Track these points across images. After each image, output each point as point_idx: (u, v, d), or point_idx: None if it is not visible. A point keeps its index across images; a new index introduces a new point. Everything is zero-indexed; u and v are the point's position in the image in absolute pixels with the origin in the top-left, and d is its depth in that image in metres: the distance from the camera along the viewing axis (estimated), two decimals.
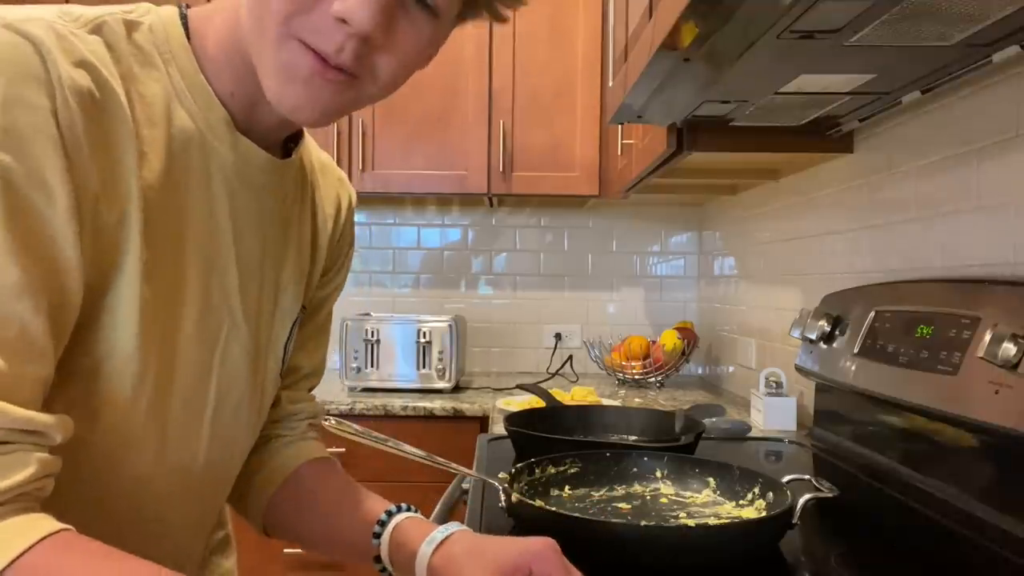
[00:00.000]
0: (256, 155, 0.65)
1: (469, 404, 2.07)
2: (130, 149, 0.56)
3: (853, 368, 1.27)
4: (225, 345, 0.67)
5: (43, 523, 0.49)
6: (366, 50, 0.56)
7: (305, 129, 0.74)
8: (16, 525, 0.48)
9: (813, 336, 1.42)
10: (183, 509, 0.70)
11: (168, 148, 0.59)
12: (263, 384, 0.75)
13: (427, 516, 1.14)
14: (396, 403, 2.07)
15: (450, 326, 2.24)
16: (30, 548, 0.47)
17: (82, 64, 0.53)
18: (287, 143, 0.71)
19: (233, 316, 0.67)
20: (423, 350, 2.24)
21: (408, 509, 0.72)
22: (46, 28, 0.52)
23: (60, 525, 0.50)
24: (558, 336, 2.75)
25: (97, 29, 0.56)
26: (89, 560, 0.50)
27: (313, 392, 0.89)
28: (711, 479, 1.02)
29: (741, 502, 0.97)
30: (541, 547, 0.63)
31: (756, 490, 0.96)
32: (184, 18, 0.62)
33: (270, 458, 0.82)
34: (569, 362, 2.70)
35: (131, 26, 0.59)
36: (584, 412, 1.48)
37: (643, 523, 0.89)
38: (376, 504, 0.75)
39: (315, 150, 0.80)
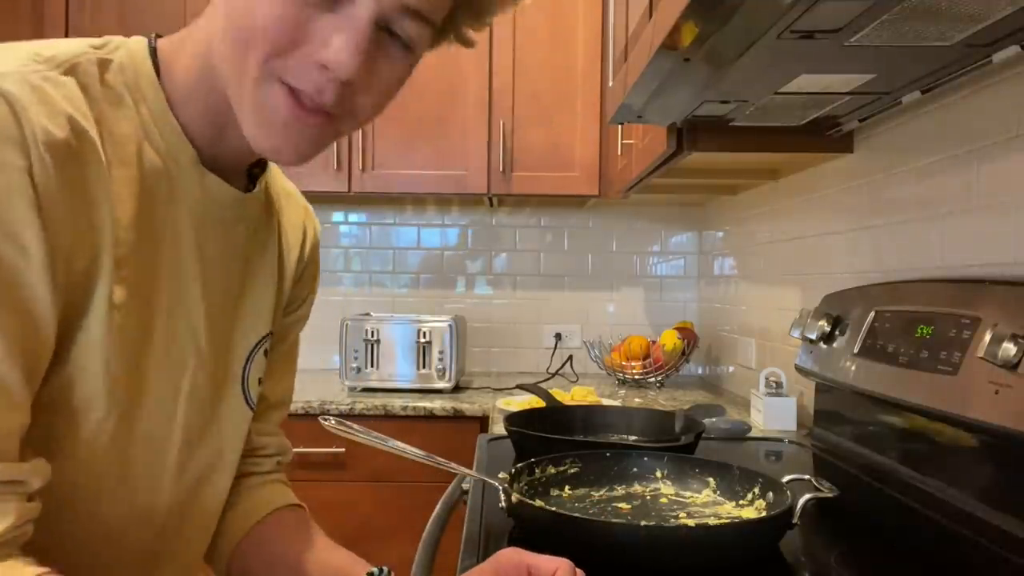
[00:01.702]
0: (222, 191, 0.66)
1: (469, 404, 2.07)
2: (104, 193, 0.57)
3: (853, 368, 1.27)
4: (192, 381, 0.68)
5: (24, 570, 0.51)
6: (347, 92, 0.57)
7: None
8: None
9: (813, 336, 1.42)
10: (149, 552, 0.69)
11: (140, 188, 0.60)
12: (230, 415, 0.74)
13: (427, 517, 1.14)
14: (396, 403, 2.07)
15: (450, 326, 2.24)
16: None
17: (58, 115, 0.54)
18: (252, 169, 0.72)
19: (199, 352, 0.68)
20: (423, 350, 2.24)
21: (387, 573, 0.70)
22: (20, 82, 0.52)
23: (41, 569, 0.52)
24: (558, 336, 2.75)
25: (71, 70, 0.57)
26: None
27: (279, 427, 0.88)
28: (711, 479, 1.02)
29: (741, 502, 0.97)
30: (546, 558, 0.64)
31: (756, 490, 0.96)
32: (154, 51, 0.63)
33: (239, 500, 0.81)
34: (569, 362, 2.70)
35: (103, 65, 0.59)
36: (584, 412, 1.48)
37: (643, 523, 0.89)
38: (347, 561, 0.74)
39: (280, 177, 0.80)
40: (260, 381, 0.78)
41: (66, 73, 0.56)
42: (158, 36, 0.64)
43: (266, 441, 0.84)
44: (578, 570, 0.64)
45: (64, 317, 0.56)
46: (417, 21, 0.57)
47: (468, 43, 0.66)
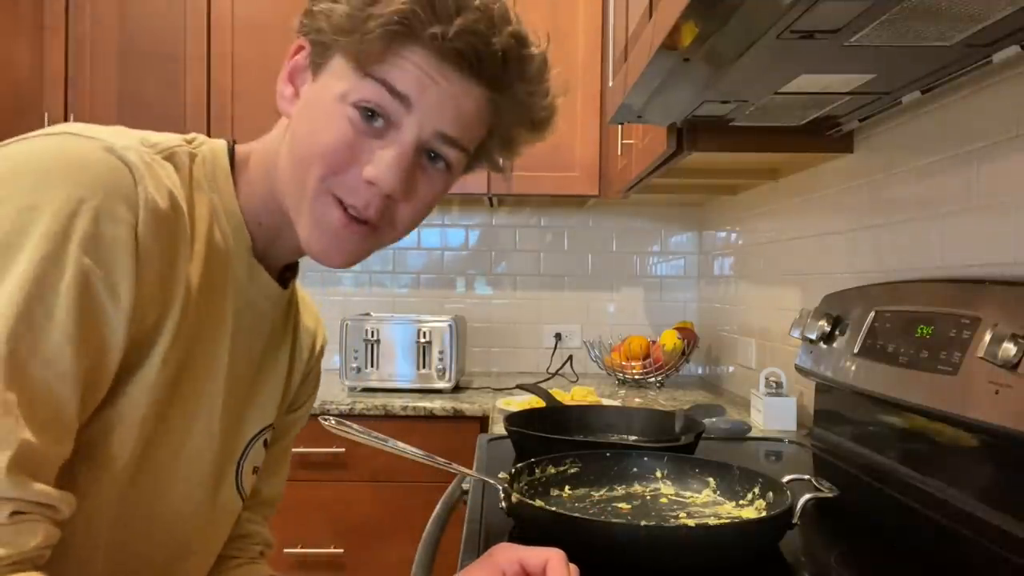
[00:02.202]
0: (264, 282, 0.74)
1: (469, 404, 2.07)
2: (184, 263, 0.65)
3: (853, 368, 1.27)
4: (197, 450, 0.71)
5: None
6: (390, 204, 0.68)
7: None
8: None
9: (813, 336, 1.42)
10: None
11: (205, 263, 0.67)
12: (221, 500, 0.77)
13: (427, 517, 1.14)
14: (396, 403, 2.07)
15: (450, 326, 2.24)
16: None
17: (162, 188, 0.62)
18: (283, 272, 0.78)
19: (210, 428, 0.72)
20: (423, 350, 2.24)
21: None
22: (138, 156, 0.61)
23: None
24: (558, 336, 2.75)
25: (170, 157, 0.67)
26: None
27: (267, 521, 0.92)
28: (711, 479, 1.02)
29: (741, 502, 0.97)
30: (543, 552, 0.66)
31: (756, 490, 0.96)
32: (232, 151, 0.73)
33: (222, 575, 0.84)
34: (569, 362, 2.70)
35: (192, 157, 0.70)
36: (584, 412, 1.48)
37: (643, 523, 0.89)
38: None
39: (299, 286, 0.87)
40: (255, 470, 0.82)
41: (166, 159, 0.66)
42: (235, 140, 0.75)
43: (253, 529, 0.88)
44: (571, 565, 0.65)
45: (122, 366, 0.61)
46: (453, 147, 0.68)
47: (497, 169, 0.77)
